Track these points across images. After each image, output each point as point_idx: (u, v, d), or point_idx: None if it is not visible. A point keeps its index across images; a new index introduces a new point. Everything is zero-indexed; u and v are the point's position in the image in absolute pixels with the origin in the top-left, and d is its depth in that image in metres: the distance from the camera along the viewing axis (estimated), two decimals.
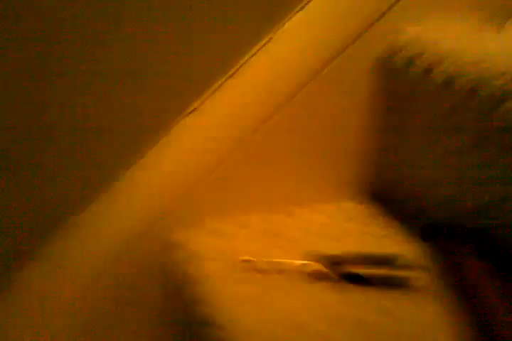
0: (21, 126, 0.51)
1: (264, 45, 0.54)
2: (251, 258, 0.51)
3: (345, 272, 0.49)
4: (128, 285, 0.58)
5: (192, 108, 0.55)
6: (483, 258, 0.49)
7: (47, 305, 0.56)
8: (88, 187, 0.54)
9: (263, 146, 0.58)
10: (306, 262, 0.51)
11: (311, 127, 0.59)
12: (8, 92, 0.49)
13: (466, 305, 0.45)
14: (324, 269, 0.50)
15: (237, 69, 0.55)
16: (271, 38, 0.54)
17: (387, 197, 0.64)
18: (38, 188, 0.53)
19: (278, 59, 0.55)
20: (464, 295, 0.46)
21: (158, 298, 0.61)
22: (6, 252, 0.54)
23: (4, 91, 0.49)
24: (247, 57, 0.55)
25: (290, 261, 0.52)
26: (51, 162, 0.53)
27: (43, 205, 0.54)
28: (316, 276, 0.50)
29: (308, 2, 0.54)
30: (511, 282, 0.46)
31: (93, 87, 0.51)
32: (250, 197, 0.61)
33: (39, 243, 0.54)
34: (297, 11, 0.54)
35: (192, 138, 0.56)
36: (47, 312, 0.56)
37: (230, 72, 0.55)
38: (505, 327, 0.41)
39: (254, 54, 0.55)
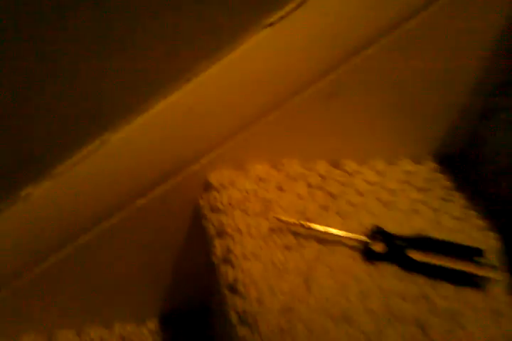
0: None
1: None
2: (289, 219, 0.42)
3: (414, 259, 0.40)
4: (159, 221, 0.51)
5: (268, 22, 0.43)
6: None
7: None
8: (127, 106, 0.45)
9: (330, 95, 0.46)
10: (364, 238, 0.42)
11: (404, 68, 0.46)
12: None
13: None
14: (385, 250, 0.41)
15: None
16: None
17: (471, 169, 0.53)
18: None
19: None
20: None
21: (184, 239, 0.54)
22: None
23: None
24: None
25: (343, 233, 0.42)
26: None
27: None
28: (376, 258, 0.41)
29: None
30: None
31: None
32: (308, 146, 0.50)
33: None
34: None
35: (244, 76, 0.45)
36: None
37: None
38: None
39: None
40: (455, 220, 0.46)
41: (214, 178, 0.48)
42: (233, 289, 0.40)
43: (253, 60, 0.45)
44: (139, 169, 0.47)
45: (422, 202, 0.48)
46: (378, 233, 0.41)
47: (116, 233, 0.50)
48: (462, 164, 0.54)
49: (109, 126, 0.45)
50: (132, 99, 0.44)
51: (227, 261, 0.42)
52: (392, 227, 0.44)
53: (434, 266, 0.40)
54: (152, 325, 0.58)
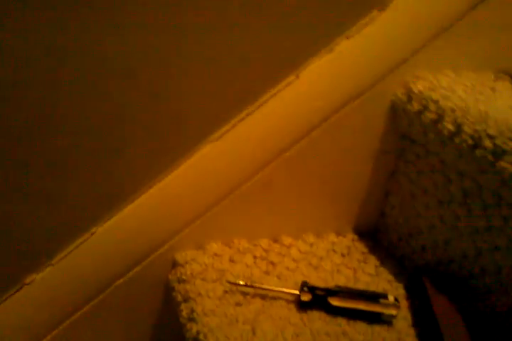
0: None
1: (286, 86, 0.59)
2: (238, 281, 0.54)
3: (334, 304, 0.52)
4: (134, 298, 0.62)
5: (212, 138, 0.59)
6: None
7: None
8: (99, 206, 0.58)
9: (270, 181, 0.61)
10: (295, 291, 0.54)
11: (316, 167, 0.62)
12: None
13: None
14: (310, 299, 0.53)
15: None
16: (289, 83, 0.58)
17: (381, 237, 0.67)
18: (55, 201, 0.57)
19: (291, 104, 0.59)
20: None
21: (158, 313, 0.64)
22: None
23: None
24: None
25: (280, 288, 0.54)
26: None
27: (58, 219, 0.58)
28: (306, 306, 0.53)
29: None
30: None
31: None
32: (255, 226, 0.64)
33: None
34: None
35: (207, 166, 0.60)
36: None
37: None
38: None
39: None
40: (370, 276, 0.59)
41: (179, 257, 0.60)
42: (196, 340, 0.50)
43: (202, 166, 0.59)
44: (119, 254, 0.59)
45: (344, 265, 0.61)
46: (306, 286, 0.53)
47: (97, 314, 0.60)
48: (376, 234, 0.68)
49: (97, 221, 0.58)
50: (113, 198, 0.58)
51: (191, 319, 0.53)
52: (319, 284, 0.56)
53: (350, 309, 0.52)
54: None
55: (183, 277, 0.57)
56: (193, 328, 0.51)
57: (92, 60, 0.50)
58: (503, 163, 0.44)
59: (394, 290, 0.58)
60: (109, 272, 0.59)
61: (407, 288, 0.58)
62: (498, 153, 0.45)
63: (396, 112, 0.59)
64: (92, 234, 0.58)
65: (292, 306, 0.54)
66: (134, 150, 0.56)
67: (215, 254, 0.61)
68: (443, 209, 0.57)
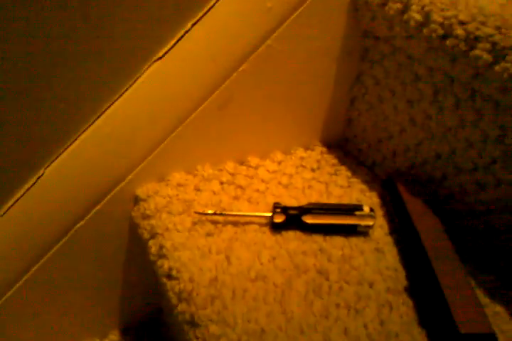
0: None
1: None
2: (207, 210, 0.51)
3: (308, 222, 0.50)
4: (100, 240, 0.58)
5: (156, 57, 0.52)
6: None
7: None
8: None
9: (227, 99, 0.56)
10: (267, 214, 0.51)
11: (276, 79, 0.56)
12: None
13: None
14: (287, 220, 0.50)
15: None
16: None
17: (351, 147, 0.64)
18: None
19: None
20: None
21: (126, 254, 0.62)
22: None
23: None
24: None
25: (251, 213, 0.52)
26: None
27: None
28: (280, 228, 0.51)
29: None
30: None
31: None
32: (218, 150, 0.60)
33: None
34: None
35: (159, 89, 0.54)
36: None
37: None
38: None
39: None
40: (342, 189, 0.57)
41: (141, 192, 0.56)
42: (169, 276, 0.48)
43: (152, 88, 0.54)
44: (73, 195, 0.55)
45: (315, 179, 0.58)
46: (277, 207, 0.51)
47: (63, 258, 0.57)
48: (344, 144, 0.65)
49: (43, 161, 0.53)
50: (58, 134, 0.52)
51: (161, 255, 0.50)
52: (291, 203, 0.53)
53: (325, 225, 0.50)
54: (114, 337, 0.65)
55: (147, 212, 0.54)
56: (165, 264, 0.48)
57: None
58: (477, 51, 0.39)
59: (368, 199, 0.56)
60: (66, 215, 0.55)
61: (381, 196, 0.56)
62: (471, 41, 0.40)
63: (357, 6, 0.52)
64: (38, 178, 0.53)
65: (266, 229, 0.51)
66: (77, 74, 0.49)
67: (179, 184, 0.57)
68: (413, 109, 0.53)
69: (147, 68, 0.52)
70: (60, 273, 0.58)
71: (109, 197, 0.56)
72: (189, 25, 0.51)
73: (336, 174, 0.60)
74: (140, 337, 0.65)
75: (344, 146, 0.65)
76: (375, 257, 0.48)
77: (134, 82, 0.52)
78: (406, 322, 0.42)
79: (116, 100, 0.52)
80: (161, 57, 0.52)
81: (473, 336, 0.37)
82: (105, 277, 0.62)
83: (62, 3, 0.45)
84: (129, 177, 0.56)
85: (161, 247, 0.50)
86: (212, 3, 0.51)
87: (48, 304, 0.59)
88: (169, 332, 0.66)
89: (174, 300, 0.46)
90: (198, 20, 0.51)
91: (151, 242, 0.52)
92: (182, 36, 0.52)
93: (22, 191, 0.53)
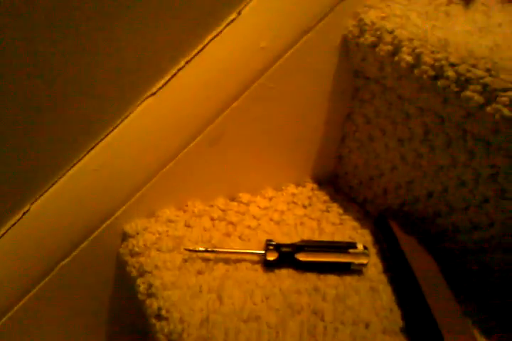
0: None
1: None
2: (198, 247, 0.50)
3: (302, 260, 0.49)
4: (86, 277, 0.56)
5: (150, 93, 0.52)
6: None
7: None
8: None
9: (219, 135, 0.56)
10: (260, 251, 0.50)
11: (268, 115, 0.57)
12: None
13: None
14: (276, 257, 0.49)
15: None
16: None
17: (342, 184, 0.64)
18: None
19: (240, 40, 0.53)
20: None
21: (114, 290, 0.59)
22: None
23: None
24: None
25: (243, 250, 0.51)
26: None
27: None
28: (272, 266, 0.50)
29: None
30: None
31: None
32: (209, 186, 0.59)
33: None
34: None
35: (151, 125, 0.54)
36: None
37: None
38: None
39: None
40: (334, 226, 0.57)
41: (129, 228, 0.55)
42: (159, 316, 0.46)
43: (144, 124, 0.54)
44: (60, 232, 0.53)
45: (307, 216, 0.58)
46: (270, 245, 0.50)
47: (48, 295, 0.55)
48: (335, 181, 0.65)
49: (29, 196, 0.51)
50: (45, 169, 0.51)
51: (150, 294, 0.48)
52: (284, 240, 0.53)
53: (319, 263, 0.49)
54: None
55: (136, 249, 0.52)
56: (154, 304, 0.47)
57: None
58: (468, 93, 0.41)
59: (360, 237, 0.55)
60: (51, 252, 0.53)
61: (373, 234, 0.56)
62: (462, 82, 0.41)
63: (348, 47, 0.53)
64: (24, 213, 0.51)
65: (258, 267, 0.50)
66: (66, 111, 0.49)
67: (169, 220, 0.56)
68: (404, 148, 0.54)
69: (140, 103, 0.52)
70: (45, 311, 0.55)
71: (96, 233, 0.54)
72: (182, 62, 0.52)
73: (327, 211, 0.59)
74: None
75: (335, 183, 0.65)
76: (370, 296, 0.47)
77: (126, 117, 0.52)
78: None
79: (106, 135, 0.52)
80: (154, 93, 0.53)
81: None
82: (90, 317, 0.59)
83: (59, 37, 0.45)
84: (118, 213, 0.54)
85: (150, 286, 0.48)
86: (206, 42, 0.52)
87: None
88: None
89: None
90: (191, 58, 0.52)
91: (139, 280, 0.50)
92: (175, 73, 0.52)
93: (7, 226, 0.51)
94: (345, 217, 0.58)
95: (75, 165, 0.52)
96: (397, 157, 0.54)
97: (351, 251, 0.50)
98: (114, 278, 0.58)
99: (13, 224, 0.51)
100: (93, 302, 0.59)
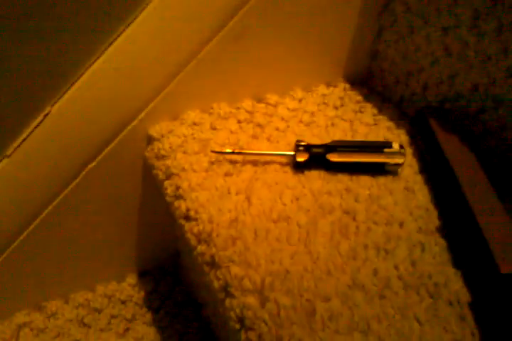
0: None
1: None
2: (224, 149, 0.48)
3: (333, 161, 0.47)
4: (113, 181, 0.56)
5: None
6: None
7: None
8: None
9: (242, 30, 0.51)
10: (290, 153, 0.48)
11: (295, 7, 0.51)
12: None
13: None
14: (311, 159, 0.47)
15: None
16: None
17: (376, 83, 0.59)
18: None
19: None
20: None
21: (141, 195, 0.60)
22: None
23: None
24: None
25: (272, 151, 0.49)
26: None
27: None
28: (302, 167, 0.48)
29: None
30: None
31: None
32: (234, 87, 0.56)
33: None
34: None
35: (168, 21, 0.49)
36: None
37: None
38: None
39: None
40: (368, 126, 0.53)
41: (154, 131, 0.53)
42: (187, 217, 0.46)
43: (161, 17, 0.49)
44: (83, 135, 0.52)
45: (338, 117, 0.55)
46: (300, 145, 0.48)
47: (75, 200, 0.55)
48: (369, 80, 0.60)
49: (50, 99, 0.49)
50: (64, 66, 0.48)
51: (178, 196, 0.48)
52: (314, 141, 0.50)
53: (352, 163, 0.47)
54: (132, 280, 0.64)
55: (162, 152, 0.51)
56: (182, 206, 0.46)
57: None
58: None
59: (396, 137, 0.52)
60: (76, 156, 0.52)
61: (409, 134, 0.52)
62: None
63: None
64: (45, 116, 0.49)
65: (288, 169, 0.48)
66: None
67: (194, 123, 0.54)
68: (448, 37, 0.48)
69: None
70: (74, 216, 0.56)
71: (121, 136, 0.53)
72: None
73: (360, 111, 0.56)
74: (157, 280, 0.65)
75: (369, 82, 0.60)
76: (404, 196, 0.45)
77: (143, 9, 0.48)
78: (439, 262, 0.40)
79: (123, 31, 0.48)
80: None
81: None
82: (121, 220, 0.60)
83: None
84: (141, 115, 0.52)
85: (178, 188, 0.48)
86: None
87: (64, 247, 0.58)
88: (187, 275, 0.66)
89: (193, 242, 0.44)
90: None
91: (166, 183, 0.49)
92: None
93: (28, 130, 0.50)
94: (380, 117, 0.55)
95: (93, 63, 0.49)
96: (440, 48, 0.49)
97: (386, 150, 0.47)
98: (142, 182, 0.58)
99: (36, 127, 0.49)
100: (122, 207, 0.59)
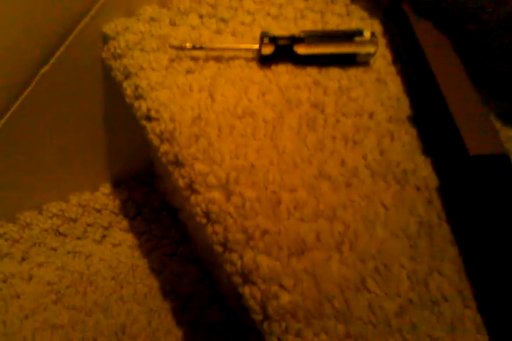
0: None
1: None
2: (185, 44, 0.45)
3: (301, 53, 0.44)
4: (72, 86, 0.53)
5: None
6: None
7: None
8: None
9: None
10: (254, 46, 0.44)
11: None
12: None
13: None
14: (277, 52, 0.44)
15: None
16: None
17: None
18: None
19: None
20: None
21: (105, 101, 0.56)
22: None
23: None
24: None
25: (234, 45, 0.45)
26: None
27: None
28: (269, 61, 0.45)
29: None
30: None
31: None
32: None
33: None
34: None
35: None
36: None
37: None
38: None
39: None
40: (340, 17, 0.49)
41: (108, 28, 0.48)
42: (148, 117, 0.44)
43: None
44: (30, 37, 0.47)
45: (308, 9, 0.50)
46: (265, 37, 0.44)
47: (34, 107, 0.52)
48: None
49: None
50: None
51: (137, 96, 0.45)
52: (283, 32, 0.46)
53: (320, 55, 0.44)
54: (106, 189, 0.63)
55: (118, 51, 0.47)
56: (142, 106, 0.44)
57: None
58: None
59: (369, 27, 0.48)
60: (26, 61, 0.48)
61: (383, 24, 0.49)
62: None
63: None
64: None
65: (253, 64, 0.45)
66: None
67: (152, 19, 0.49)
68: None
69: None
70: (36, 121, 0.53)
71: (72, 36, 0.48)
72: None
73: (332, 2, 0.51)
74: (132, 189, 0.64)
75: None
76: (375, 88, 0.43)
77: None
78: (409, 150, 0.38)
79: None
80: None
81: (483, 158, 0.34)
82: (87, 126, 0.58)
83: None
84: (92, 11, 0.48)
85: (137, 88, 0.45)
86: None
87: (32, 156, 0.56)
88: (161, 183, 0.65)
89: (156, 142, 0.43)
90: None
91: (125, 83, 0.46)
92: None
93: None
94: (353, 7, 0.50)
95: None
96: None
97: (357, 39, 0.44)
98: (105, 88, 0.55)
99: None
100: (86, 115, 0.56)
